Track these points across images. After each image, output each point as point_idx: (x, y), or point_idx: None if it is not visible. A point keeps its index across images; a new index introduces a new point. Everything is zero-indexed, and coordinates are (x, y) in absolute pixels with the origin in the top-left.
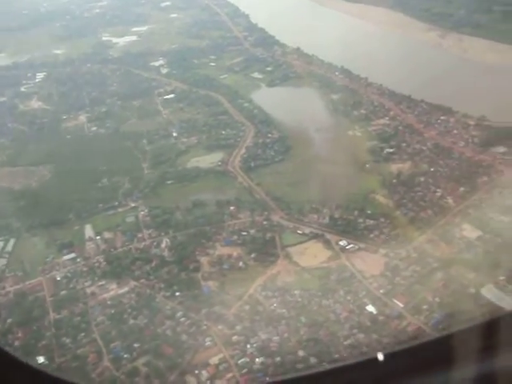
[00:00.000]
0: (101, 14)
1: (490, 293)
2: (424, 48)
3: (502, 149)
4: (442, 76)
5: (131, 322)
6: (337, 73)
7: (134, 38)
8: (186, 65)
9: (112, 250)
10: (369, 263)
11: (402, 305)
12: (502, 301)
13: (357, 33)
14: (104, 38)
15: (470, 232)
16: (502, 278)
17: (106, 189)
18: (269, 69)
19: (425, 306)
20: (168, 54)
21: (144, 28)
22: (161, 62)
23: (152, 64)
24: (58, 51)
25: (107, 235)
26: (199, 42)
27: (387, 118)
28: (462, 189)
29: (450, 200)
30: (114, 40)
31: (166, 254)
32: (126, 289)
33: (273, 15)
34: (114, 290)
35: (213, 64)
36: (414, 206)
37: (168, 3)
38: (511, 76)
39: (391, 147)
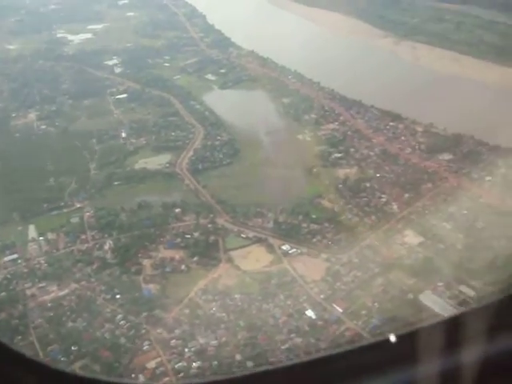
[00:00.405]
0: (57, 10)
1: (428, 299)
2: (378, 54)
3: (447, 156)
4: (394, 82)
5: (70, 324)
6: (290, 76)
7: (89, 35)
8: (140, 64)
9: (54, 251)
10: (310, 268)
11: (341, 310)
12: (440, 307)
13: (312, 37)
14: (59, 35)
15: (412, 238)
16: (440, 284)
17: (52, 189)
18: (222, 71)
19: (364, 311)
20: (122, 53)
21: (100, 26)
22: (115, 61)
23: (106, 63)
24: (11, 46)
25: (50, 236)
26: (154, 42)
27: (337, 123)
28: (406, 195)
29: (394, 206)
30: (69, 37)
31: (108, 256)
32: (66, 291)
33: (230, 17)
34: (54, 292)
35: (167, 64)
36: (358, 211)
37: (125, 1)
38: (461, 84)
39: (339, 152)
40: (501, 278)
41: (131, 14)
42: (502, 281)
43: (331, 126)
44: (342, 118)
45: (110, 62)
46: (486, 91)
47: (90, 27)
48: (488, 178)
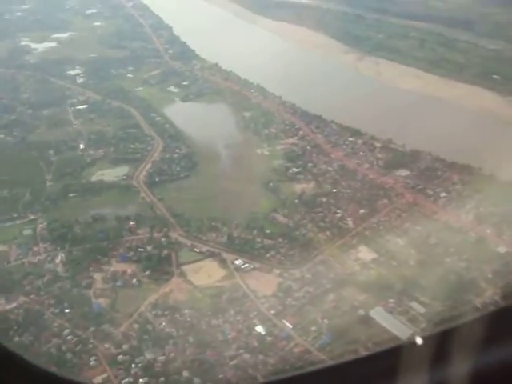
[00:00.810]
0: (22, 17)
1: (378, 315)
2: (340, 69)
3: (404, 172)
4: (355, 98)
5: (16, 339)
6: (252, 90)
7: (53, 44)
8: (103, 75)
9: (5, 263)
10: (263, 283)
11: (291, 326)
12: (390, 323)
13: (277, 51)
14: (23, 43)
15: (365, 254)
16: (391, 300)
17: (6, 200)
18: (185, 83)
19: (314, 328)
20: (86, 63)
21: (65, 35)
22: (78, 70)
23: (68, 72)
24: None
25: (2, 248)
26: (119, 53)
27: (296, 138)
28: (362, 211)
29: (349, 221)
30: (33, 45)
31: (59, 269)
32: (14, 304)
33: (197, 29)
34: (1, 305)
35: (130, 75)
36: (313, 226)
37: (94, 10)
38: (421, 101)
39: (297, 167)
40: (451, 294)
41: (98, 23)
42: (453, 297)
43: (291, 140)
44: (301, 132)
45: (73, 72)
46: (445, 108)
47: (55, 36)
48: (443, 195)
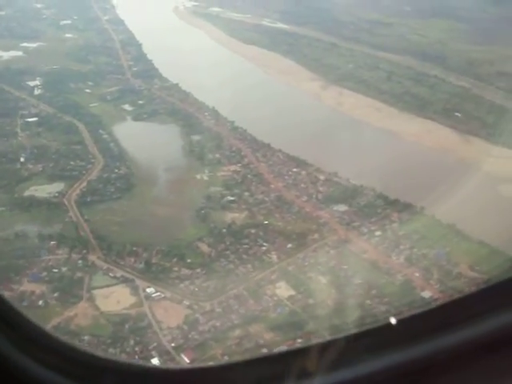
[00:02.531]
0: None
1: None
2: (301, 98)
3: (343, 207)
4: (308, 127)
5: None
6: (206, 113)
7: (19, 53)
8: (61, 88)
9: None
10: (170, 314)
11: (188, 360)
12: None
13: (240, 75)
14: None
15: (283, 290)
16: (299, 340)
17: None
18: (141, 102)
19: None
20: (47, 75)
21: (34, 44)
22: (37, 82)
23: (28, 83)
24: None
25: None
26: (83, 67)
27: (240, 165)
28: (289, 245)
29: (274, 255)
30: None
31: None
32: None
33: (166, 48)
34: None
35: (88, 90)
36: (235, 258)
37: (68, 22)
38: (377, 135)
39: (233, 195)
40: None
41: (69, 35)
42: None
43: (233, 167)
44: (246, 160)
45: (32, 83)
46: (399, 143)
47: (23, 45)
48: (378, 233)
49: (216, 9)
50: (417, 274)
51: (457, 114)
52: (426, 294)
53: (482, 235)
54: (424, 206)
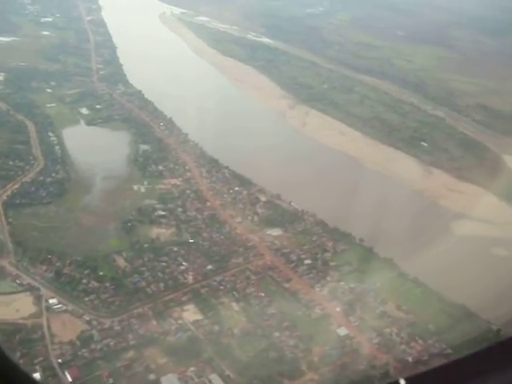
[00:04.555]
0: None
1: (169, 383)
2: (265, 115)
3: (277, 232)
4: (263, 146)
5: None
6: (162, 123)
7: None
8: (22, 86)
9: None
10: (67, 328)
11: (70, 379)
12: None
13: (209, 88)
14: None
15: (190, 314)
16: (192, 369)
17: None
18: (98, 106)
19: None
20: (11, 71)
21: (8, 39)
22: (0, 78)
23: None
24: None
25: None
26: (51, 65)
27: (181, 179)
28: (209, 266)
29: (190, 276)
30: None
31: None
32: None
33: (141, 54)
34: None
35: (49, 90)
36: (150, 275)
37: (49, 19)
38: (333, 158)
39: (165, 210)
40: (262, 374)
41: (47, 33)
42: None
43: (174, 181)
44: (189, 174)
45: None
46: (355, 170)
47: None
48: (307, 262)
49: (203, 18)
50: (337, 309)
51: (423, 143)
52: (342, 331)
53: (420, 273)
54: (363, 238)
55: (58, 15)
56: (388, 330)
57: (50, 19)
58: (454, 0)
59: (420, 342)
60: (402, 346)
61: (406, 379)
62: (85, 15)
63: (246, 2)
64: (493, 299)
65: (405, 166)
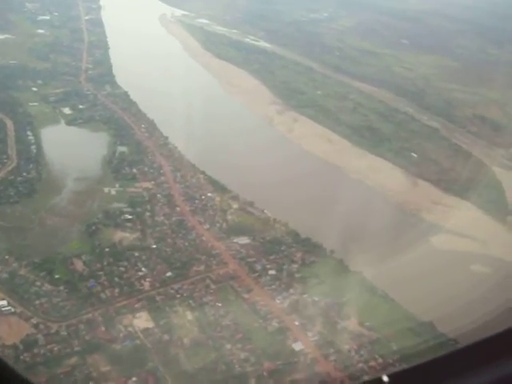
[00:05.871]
0: None
1: None
2: (251, 120)
3: (244, 240)
4: (245, 151)
5: None
6: (143, 125)
7: None
8: (8, 84)
9: None
10: (13, 331)
11: None
12: None
13: (198, 90)
14: None
15: (141, 321)
16: (134, 379)
17: None
18: (81, 107)
19: None
20: (0, 69)
21: (2, 36)
22: None
23: None
24: None
25: None
26: (40, 64)
27: (153, 183)
28: (169, 273)
29: (147, 283)
30: None
31: None
32: None
33: (133, 54)
34: None
35: (35, 89)
36: (106, 280)
37: (46, 17)
38: (316, 168)
39: (132, 214)
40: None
41: (41, 31)
42: None
43: (146, 184)
44: (163, 178)
45: None
46: (338, 180)
47: None
48: (271, 273)
49: (203, 20)
50: (296, 323)
51: (413, 154)
52: (297, 346)
53: (390, 288)
54: (335, 250)
55: (55, 14)
56: (347, 346)
57: (47, 17)
58: (468, 10)
59: (379, 360)
60: (360, 364)
61: (389, 376)
62: (83, 14)
63: (249, 5)
64: (464, 318)
65: (390, 177)
